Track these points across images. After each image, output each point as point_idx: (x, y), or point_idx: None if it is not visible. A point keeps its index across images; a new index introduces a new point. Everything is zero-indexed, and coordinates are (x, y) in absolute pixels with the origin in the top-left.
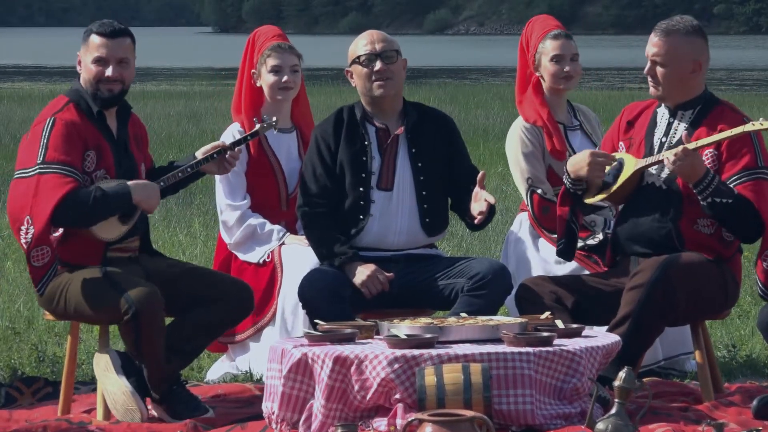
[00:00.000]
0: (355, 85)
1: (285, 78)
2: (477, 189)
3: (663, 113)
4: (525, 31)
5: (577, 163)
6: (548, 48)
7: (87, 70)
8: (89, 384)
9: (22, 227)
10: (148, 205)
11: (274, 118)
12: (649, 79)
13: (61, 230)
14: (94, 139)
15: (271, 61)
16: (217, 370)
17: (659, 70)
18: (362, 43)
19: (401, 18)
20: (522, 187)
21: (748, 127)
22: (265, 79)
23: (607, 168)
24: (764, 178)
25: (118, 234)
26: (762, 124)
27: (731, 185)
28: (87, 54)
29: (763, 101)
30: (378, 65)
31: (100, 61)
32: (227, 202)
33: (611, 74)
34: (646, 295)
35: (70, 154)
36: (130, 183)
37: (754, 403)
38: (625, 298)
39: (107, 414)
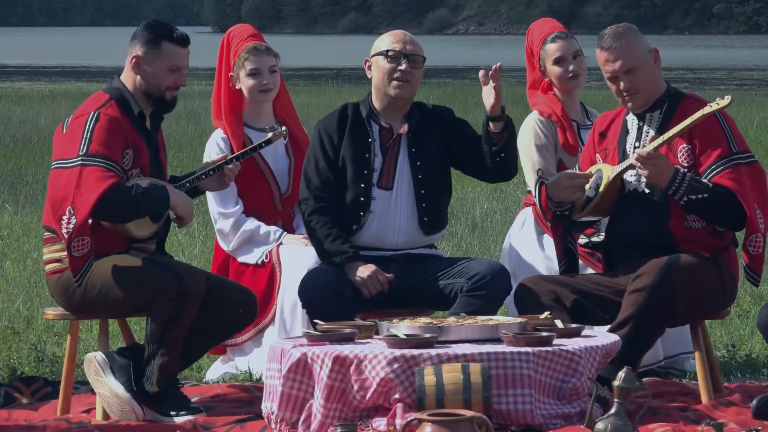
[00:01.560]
0: (371, 77)
1: (264, 81)
2: (484, 88)
3: (632, 119)
4: (527, 39)
5: (555, 186)
6: (549, 52)
7: (157, 76)
8: (88, 383)
9: (64, 217)
10: (184, 211)
11: (284, 128)
12: (625, 94)
13: (90, 221)
14: (133, 138)
15: (249, 65)
16: (217, 370)
17: (633, 77)
18: (392, 40)
19: (401, 18)
20: (531, 179)
21: (706, 110)
22: (245, 83)
23: (587, 185)
24: (741, 163)
25: (149, 231)
26: (719, 104)
27: (710, 176)
28: (160, 60)
29: (763, 101)
30: (404, 65)
31: (176, 70)
32: (220, 211)
33: None
34: (649, 298)
35: (112, 149)
36: (167, 186)
37: (754, 402)
38: (626, 300)
39: (106, 414)
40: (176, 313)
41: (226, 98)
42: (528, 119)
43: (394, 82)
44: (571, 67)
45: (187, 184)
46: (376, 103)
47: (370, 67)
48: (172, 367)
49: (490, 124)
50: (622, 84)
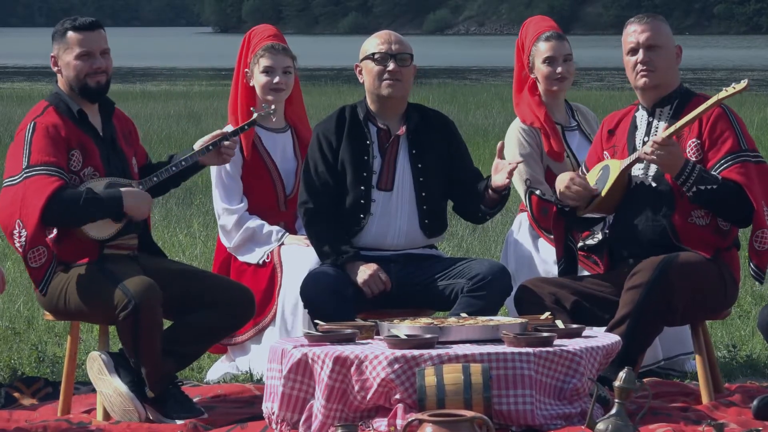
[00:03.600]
0: (363, 81)
1: (276, 79)
2: (497, 160)
3: (642, 115)
4: (520, 34)
5: (558, 184)
6: (541, 50)
7: (70, 68)
8: (89, 384)
9: (15, 231)
10: (138, 213)
11: (273, 107)
12: (642, 68)
13: (55, 230)
14: (77, 138)
15: (264, 62)
16: (217, 370)
17: (654, 54)
18: (378, 42)
19: (401, 18)
20: (520, 189)
21: (722, 94)
22: (257, 80)
23: (595, 179)
24: (749, 160)
25: (110, 233)
26: (734, 88)
27: (718, 170)
28: (67, 52)
29: (763, 101)
30: (391, 65)
31: (85, 56)
32: (224, 206)
33: (611, 74)
34: (645, 295)
35: (53, 155)
36: (122, 190)
37: (754, 403)
38: (623, 298)
39: (107, 414)
40: (136, 329)
41: (242, 94)
42: (511, 128)
43: (385, 82)
44: (559, 69)
45: (155, 179)
46: (372, 106)
47: (360, 72)
48: (157, 374)
49: (490, 192)
50: (641, 55)
